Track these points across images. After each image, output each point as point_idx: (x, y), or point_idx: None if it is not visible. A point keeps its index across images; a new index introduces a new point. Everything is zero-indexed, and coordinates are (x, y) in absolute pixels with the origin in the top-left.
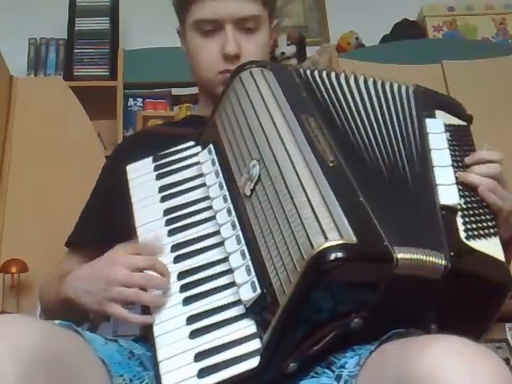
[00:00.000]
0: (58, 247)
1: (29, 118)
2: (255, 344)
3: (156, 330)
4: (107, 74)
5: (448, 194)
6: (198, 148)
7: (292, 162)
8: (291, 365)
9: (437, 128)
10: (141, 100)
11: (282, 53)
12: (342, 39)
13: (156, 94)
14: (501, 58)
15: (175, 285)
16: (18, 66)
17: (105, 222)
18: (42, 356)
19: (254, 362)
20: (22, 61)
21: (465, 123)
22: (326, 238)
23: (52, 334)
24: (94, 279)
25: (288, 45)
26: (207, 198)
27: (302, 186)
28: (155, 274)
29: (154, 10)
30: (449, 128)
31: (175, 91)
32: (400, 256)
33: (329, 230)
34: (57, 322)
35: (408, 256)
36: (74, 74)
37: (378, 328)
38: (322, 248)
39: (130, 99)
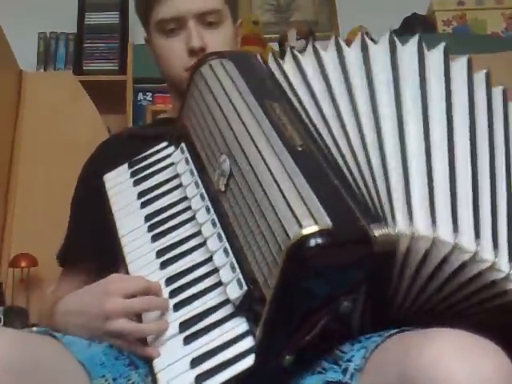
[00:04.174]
0: None
1: (39, 112)
2: (248, 342)
3: (150, 339)
4: (117, 68)
5: None
6: (172, 148)
7: (260, 152)
8: (287, 357)
9: None
10: (150, 94)
11: (292, 47)
12: (351, 33)
13: (166, 89)
14: (510, 52)
15: (164, 291)
16: (27, 61)
17: (93, 236)
18: (12, 365)
19: (249, 361)
20: (32, 55)
21: None
22: (301, 226)
23: (23, 342)
24: (89, 314)
25: (298, 39)
26: (185, 198)
27: (273, 176)
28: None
29: None
30: None
31: None
32: (378, 233)
33: (303, 217)
34: (34, 329)
35: (385, 232)
36: (84, 68)
37: (377, 313)
38: (298, 238)
39: (140, 93)
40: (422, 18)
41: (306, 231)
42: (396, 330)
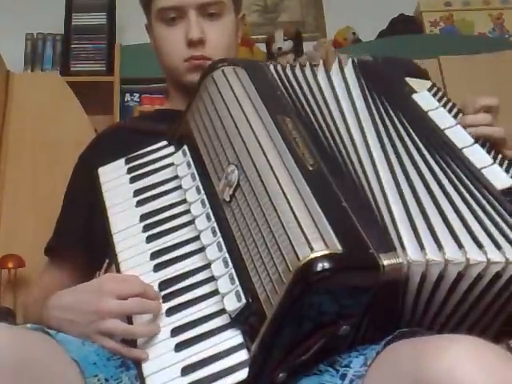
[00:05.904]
0: None
1: (26, 113)
2: (242, 355)
3: (140, 343)
4: (104, 69)
5: (497, 176)
6: (172, 148)
7: (271, 167)
8: (280, 375)
9: (430, 103)
10: (137, 95)
11: (279, 48)
12: (338, 34)
13: (153, 90)
14: (497, 52)
15: None
16: (14, 62)
17: (84, 227)
18: (7, 360)
19: (242, 375)
20: (19, 56)
21: (429, 81)
22: (312, 249)
23: (18, 338)
24: (82, 310)
25: (285, 40)
26: (184, 201)
27: (284, 193)
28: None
29: None
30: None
31: None
32: (386, 263)
33: (314, 239)
34: (28, 325)
35: (394, 261)
36: (71, 69)
37: (375, 332)
38: (308, 259)
39: (127, 94)
40: (410, 19)
41: (316, 254)
42: (392, 336)
